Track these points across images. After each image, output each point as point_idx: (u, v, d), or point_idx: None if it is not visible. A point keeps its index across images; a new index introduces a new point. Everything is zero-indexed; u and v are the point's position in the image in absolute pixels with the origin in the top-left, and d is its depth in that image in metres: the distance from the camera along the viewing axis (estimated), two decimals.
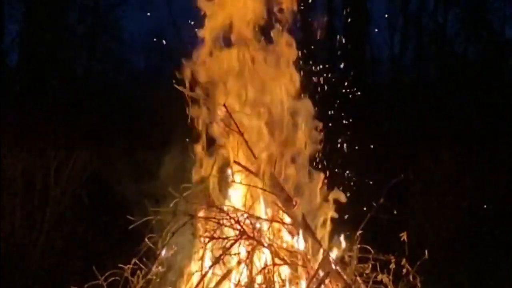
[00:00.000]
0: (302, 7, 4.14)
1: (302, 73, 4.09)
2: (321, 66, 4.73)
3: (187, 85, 3.89)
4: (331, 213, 3.88)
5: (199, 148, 3.95)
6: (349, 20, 12.92)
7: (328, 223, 3.90)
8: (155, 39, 16.38)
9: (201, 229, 3.73)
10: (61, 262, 6.77)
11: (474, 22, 15.38)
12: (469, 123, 9.93)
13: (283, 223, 3.79)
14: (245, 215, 3.70)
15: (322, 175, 3.94)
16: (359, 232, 3.73)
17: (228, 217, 3.68)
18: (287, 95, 4.05)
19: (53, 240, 6.94)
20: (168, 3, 15.76)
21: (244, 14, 3.99)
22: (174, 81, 3.87)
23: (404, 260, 3.70)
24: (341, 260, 3.75)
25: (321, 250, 3.70)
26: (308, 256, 3.69)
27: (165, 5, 15.75)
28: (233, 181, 3.87)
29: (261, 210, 3.84)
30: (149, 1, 15.84)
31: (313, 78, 4.38)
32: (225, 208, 3.75)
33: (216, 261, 3.58)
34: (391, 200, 3.87)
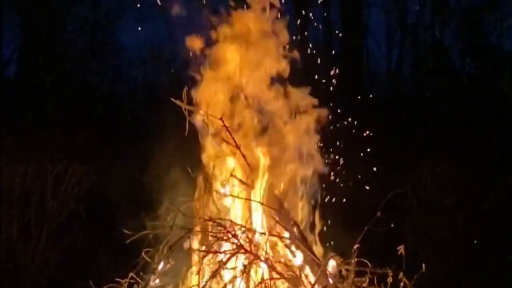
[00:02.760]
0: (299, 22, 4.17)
1: (299, 87, 4.12)
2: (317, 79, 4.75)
3: (185, 99, 3.90)
4: (328, 226, 3.89)
5: (196, 162, 3.97)
6: (345, 34, 12.97)
7: (325, 236, 3.90)
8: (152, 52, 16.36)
9: (198, 243, 3.73)
10: (58, 275, 6.74)
11: (471, 35, 15.44)
12: (467, 136, 9.93)
13: (280, 237, 3.79)
14: (242, 229, 3.70)
15: (319, 189, 3.95)
16: (356, 245, 3.73)
17: (225, 231, 3.67)
18: (284, 109, 4.07)
19: (50, 253, 6.92)
20: (165, 16, 15.77)
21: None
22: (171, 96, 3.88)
23: (401, 274, 3.70)
24: (338, 274, 3.75)
25: (318, 264, 3.69)
26: (305, 270, 3.69)
27: (162, 17, 15.76)
28: (230, 195, 3.87)
29: (258, 224, 3.84)
30: (146, 13, 15.88)
31: (311, 91, 4.37)
32: (222, 222, 3.74)
33: (213, 275, 3.57)
34: (389, 214, 3.87)
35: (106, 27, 16.05)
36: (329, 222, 4.12)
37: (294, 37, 4.15)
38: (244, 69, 3.99)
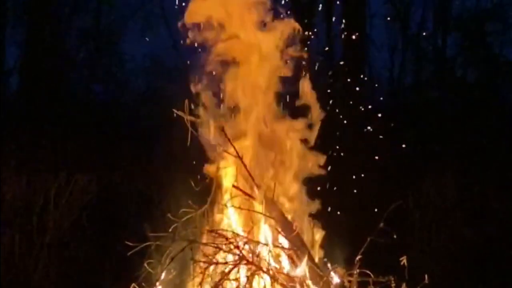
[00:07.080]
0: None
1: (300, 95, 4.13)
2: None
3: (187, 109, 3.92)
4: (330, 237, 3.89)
5: (199, 172, 3.97)
6: (347, 43, 13.00)
7: (327, 247, 3.90)
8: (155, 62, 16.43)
9: (200, 254, 3.73)
10: (60, 286, 6.73)
11: (473, 45, 15.45)
12: (470, 147, 9.92)
13: (283, 248, 3.79)
14: (244, 239, 3.70)
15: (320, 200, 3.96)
16: (359, 256, 3.72)
17: (227, 242, 3.67)
18: (286, 118, 4.09)
19: (52, 264, 6.91)
20: (168, 26, 15.85)
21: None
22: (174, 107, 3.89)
23: (404, 285, 3.69)
24: (341, 285, 3.74)
25: (321, 275, 3.69)
26: (308, 281, 3.68)
27: (166, 27, 15.86)
28: (232, 206, 3.87)
29: (261, 235, 3.83)
30: (149, 24, 16.01)
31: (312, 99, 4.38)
32: (224, 233, 3.74)
33: (215, 286, 3.57)
34: (391, 225, 3.87)
35: (109, 38, 16.12)
36: (331, 233, 4.12)
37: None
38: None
